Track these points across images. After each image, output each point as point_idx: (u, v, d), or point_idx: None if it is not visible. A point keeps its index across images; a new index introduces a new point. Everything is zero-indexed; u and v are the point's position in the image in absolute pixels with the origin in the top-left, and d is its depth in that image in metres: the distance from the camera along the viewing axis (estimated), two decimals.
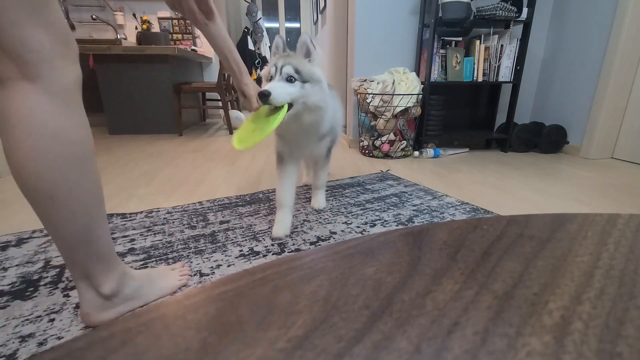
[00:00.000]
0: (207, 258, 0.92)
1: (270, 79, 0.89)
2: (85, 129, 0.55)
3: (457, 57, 2.07)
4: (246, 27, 5.21)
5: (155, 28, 3.67)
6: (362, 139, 2.17)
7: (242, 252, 0.95)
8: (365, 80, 2.09)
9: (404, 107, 1.94)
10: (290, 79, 0.87)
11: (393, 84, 1.99)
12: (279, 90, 0.85)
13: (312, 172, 1.30)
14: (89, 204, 0.57)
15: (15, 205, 1.32)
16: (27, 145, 0.49)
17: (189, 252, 0.95)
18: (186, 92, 2.93)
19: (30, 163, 0.49)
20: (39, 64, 0.47)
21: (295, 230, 1.09)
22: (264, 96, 0.82)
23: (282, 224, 1.06)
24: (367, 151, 2.14)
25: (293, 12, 5.85)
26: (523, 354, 0.16)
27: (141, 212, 1.23)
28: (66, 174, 0.52)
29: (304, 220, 1.17)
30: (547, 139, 2.17)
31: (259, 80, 5.30)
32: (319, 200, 1.28)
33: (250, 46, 5.17)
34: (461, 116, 2.44)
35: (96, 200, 0.59)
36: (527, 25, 2.03)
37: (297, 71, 0.88)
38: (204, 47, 3.86)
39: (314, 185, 1.30)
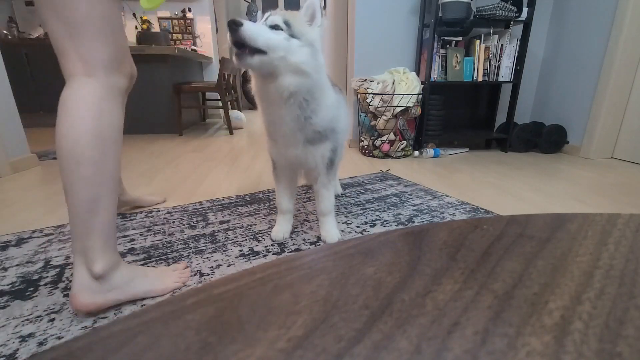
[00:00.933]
0: (207, 258, 0.92)
1: None
2: (120, 120, 0.71)
3: (457, 57, 2.07)
4: None
5: (155, 28, 3.67)
6: (362, 139, 2.17)
7: (242, 252, 0.95)
8: (365, 80, 2.09)
9: (404, 107, 1.94)
10: (275, 27, 0.72)
11: (393, 83, 1.99)
12: (256, 29, 0.69)
13: (316, 197, 1.03)
14: (104, 179, 0.67)
15: (16, 205, 1.32)
16: (74, 117, 0.64)
17: (189, 252, 0.95)
18: (186, 92, 2.93)
19: (72, 130, 0.64)
20: (98, 67, 0.66)
21: (295, 230, 1.09)
22: (234, 24, 0.66)
23: (281, 228, 1.03)
24: (367, 151, 2.14)
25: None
26: (523, 353, 0.16)
27: (141, 212, 1.23)
28: (95, 147, 0.65)
29: (304, 220, 1.17)
30: (547, 139, 2.17)
31: None
32: (329, 230, 1.02)
33: None
34: (461, 116, 2.44)
35: (111, 180, 0.69)
36: (527, 25, 2.02)
37: (286, 23, 0.73)
38: (204, 47, 3.86)
39: (318, 210, 1.03)
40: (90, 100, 0.66)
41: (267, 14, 0.75)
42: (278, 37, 0.72)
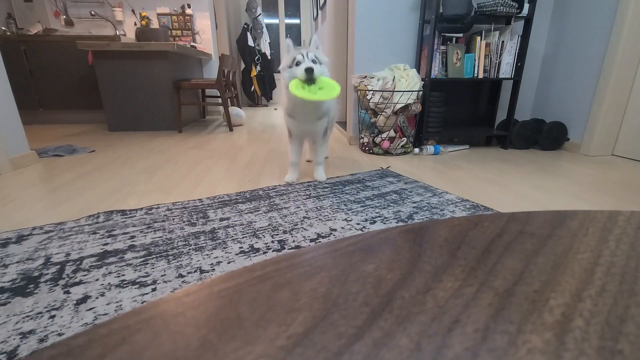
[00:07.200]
0: (207, 255, 0.92)
1: (297, 64, 1.30)
2: None
3: (457, 53, 2.06)
4: (246, 23, 5.18)
5: (155, 24, 3.65)
6: (362, 136, 2.17)
7: (242, 249, 0.95)
8: (365, 77, 2.08)
9: (404, 104, 1.93)
10: (314, 61, 1.30)
11: (393, 80, 1.98)
12: (317, 67, 1.28)
13: (312, 151, 1.66)
14: None
15: (16, 202, 1.32)
16: None
17: (189, 249, 0.95)
18: (186, 88, 2.92)
19: None
20: None
21: (295, 227, 1.09)
22: (310, 70, 1.24)
23: (292, 175, 1.55)
24: (367, 148, 2.14)
25: (293, 8, 5.81)
26: (524, 351, 0.16)
27: (141, 209, 1.23)
28: None
29: (304, 217, 1.17)
30: (547, 136, 2.17)
31: (259, 77, 5.23)
32: (320, 173, 1.60)
33: (250, 42, 5.15)
34: (462, 113, 2.43)
35: None
36: (528, 21, 2.01)
37: (316, 56, 1.32)
38: (203, 43, 3.84)
39: (314, 161, 1.60)
40: None
41: (305, 52, 1.30)
42: (319, 67, 1.30)
